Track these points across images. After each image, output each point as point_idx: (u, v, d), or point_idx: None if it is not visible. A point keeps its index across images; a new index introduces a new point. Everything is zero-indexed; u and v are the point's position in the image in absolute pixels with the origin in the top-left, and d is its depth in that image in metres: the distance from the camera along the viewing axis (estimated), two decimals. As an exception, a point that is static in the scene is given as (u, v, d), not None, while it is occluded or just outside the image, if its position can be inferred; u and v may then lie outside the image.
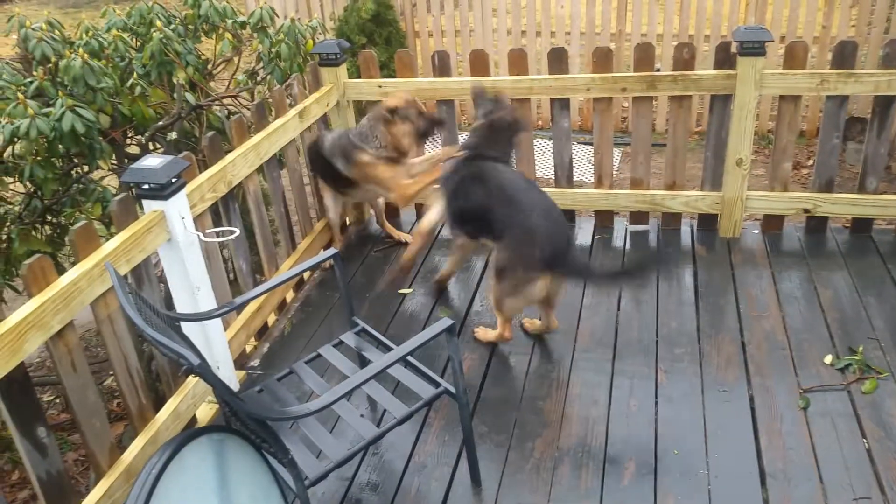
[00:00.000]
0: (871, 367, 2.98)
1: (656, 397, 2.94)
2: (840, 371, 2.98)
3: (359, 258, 4.11)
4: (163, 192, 2.54)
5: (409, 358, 2.57)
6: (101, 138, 3.32)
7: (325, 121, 4.05)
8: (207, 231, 2.87)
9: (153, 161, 2.56)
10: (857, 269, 3.63)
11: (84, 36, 3.54)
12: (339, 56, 3.95)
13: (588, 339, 3.31)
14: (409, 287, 3.82)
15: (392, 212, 4.43)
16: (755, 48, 3.49)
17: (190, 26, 3.92)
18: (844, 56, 3.55)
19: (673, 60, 3.76)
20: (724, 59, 3.66)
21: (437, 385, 2.52)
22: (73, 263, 2.38)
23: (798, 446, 2.64)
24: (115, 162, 3.66)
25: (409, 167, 3.77)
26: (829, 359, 3.05)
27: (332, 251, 2.64)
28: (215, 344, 2.94)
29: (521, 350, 3.27)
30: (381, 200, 4.24)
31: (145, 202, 2.61)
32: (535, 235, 2.96)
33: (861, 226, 3.91)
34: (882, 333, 3.17)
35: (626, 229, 4.21)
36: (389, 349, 2.64)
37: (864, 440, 2.65)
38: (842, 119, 3.73)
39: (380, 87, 4.07)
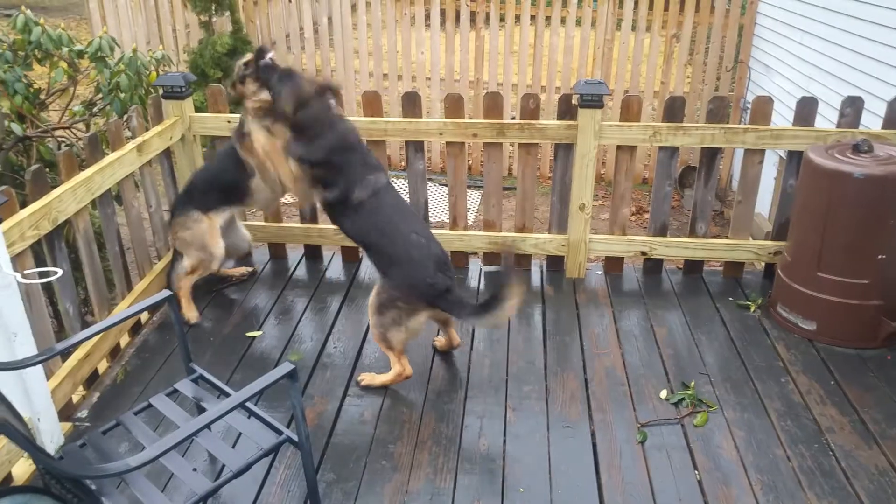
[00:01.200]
0: (703, 400, 3.16)
1: (504, 435, 2.97)
2: (674, 405, 3.14)
3: (205, 298, 3.93)
4: (-27, 229, 2.32)
5: (251, 406, 2.46)
6: None
7: (167, 156, 3.87)
8: (27, 272, 2.64)
9: (-37, 195, 2.33)
10: (690, 308, 3.87)
11: None
12: (184, 89, 3.81)
13: (441, 379, 3.31)
14: (259, 330, 3.68)
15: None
16: (594, 101, 3.70)
17: (20, 52, 3.66)
18: (674, 110, 3.83)
19: (520, 109, 3.91)
20: (566, 110, 3.85)
21: (280, 433, 2.42)
22: None
23: (636, 480, 2.74)
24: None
25: None
26: (664, 393, 3.21)
27: (165, 293, 2.49)
28: (35, 394, 2.68)
29: (374, 392, 3.21)
30: None
31: (-47, 240, 2.37)
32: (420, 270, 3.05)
33: (693, 267, 4.19)
34: (711, 369, 3.38)
35: (481, 269, 4.29)
36: (229, 396, 2.51)
37: (696, 471, 2.78)
38: (674, 168, 4.00)
39: (228, 122, 3.96)
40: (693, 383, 3.24)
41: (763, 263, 4.16)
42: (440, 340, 3.49)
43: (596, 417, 3.06)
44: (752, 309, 3.83)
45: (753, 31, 7.37)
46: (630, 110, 3.86)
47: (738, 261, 4.11)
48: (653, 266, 4.19)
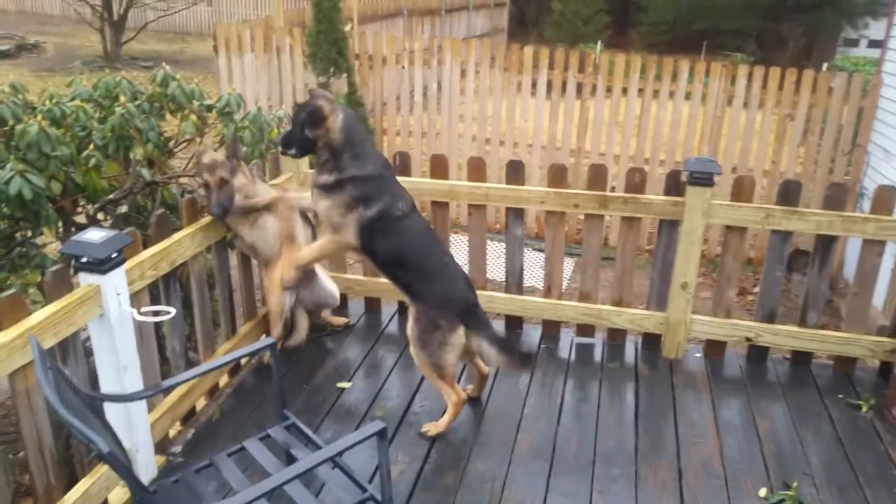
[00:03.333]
0: (805, 503, 2.96)
1: (589, 519, 2.86)
2: (773, 506, 2.96)
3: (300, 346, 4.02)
4: (101, 266, 2.48)
5: (337, 459, 2.49)
6: (49, 205, 3.26)
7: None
8: (143, 309, 2.79)
9: (95, 235, 2.51)
10: (796, 402, 3.66)
11: (47, 102, 3.53)
12: (301, 146, 3.99)
13: (526, 450, 3.25)
14: (349, 381, 3.73)
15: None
16: (704, 179, 3.63)
17: (156, 104, 3.94)
18: (789, 194, 3.71)
19: (625, 183, 3.89)
20: (674, 186, 3.80)
21: (364, 490, 2.43)
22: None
23: (728, 582, 2.58)
24: (61, 230, 3.58)
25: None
26: (763, 492, 3.02)
27: (268, 341, 2.58)
28: (137, 427, 2.80)
29: (456, 456, 3.18)
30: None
31: (82, 275, 2.54)
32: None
33: (801, 358, 3.98)
34: (817, 470, 3.17)
35: (573, 341, 4.22)
36: (318, 447, 2.55)
37: (795, 580, 2.60)
38: (785, 253, 3.86)
39: (340, 179, 4.10)
40: (795, 484, 3.05)
41: (878, 361, 3.90)
42: (470, 388, 3.54)
43: (688, 509, 2.92)
44: (864, 409, 3.59)
45: (874, 115, 7.09)
46: (742, 190, 3.76)
47: (851, 356, 3.87)
48: (757, 353, 4.00)
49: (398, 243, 3.24)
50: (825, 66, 9.66)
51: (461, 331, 3.20)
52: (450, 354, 3.21)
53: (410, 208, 3.28)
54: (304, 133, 3.12)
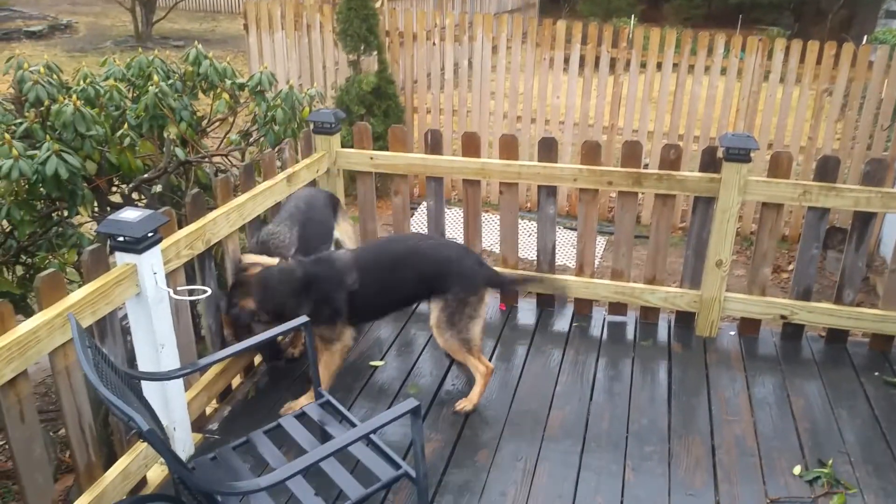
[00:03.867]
0: (840, 481, 2.93)
1: (622, 496, 2.86)
2: (808, 483, 2.93)
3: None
4: (137, 245, 2.51)
5: (372, 436, 2.51)
6: (84, 185, 3.30)
7: (314, 185, 4.06)
8: (179, 288, 2.83)
9: (131, 214, 2.54)
10: (831, 380, 3.61)
11: (81, 82, 3.57)
12: (333, 125, 4.00)
13: (558, 428, 3.25)
14: (382, 360, 3.76)
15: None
16: (740, 155, 3.56)
17: (189, 83, 3.97)
18: (827, 170, 3.63)
19: (660, 160, 3.83)
20: (710, 162, 3.74)
21: (398, 467, 2.45)
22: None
23: (762, 561, 2.57)
24: (97, 209, 3.64)
25: None
26: (797, 469, 3.00)
27: (303, 318, 2.60)
28: (174, 405, 2.85)
29: (489, 434, 3.20)
30: None
31: (118, 254, 2.58)
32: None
33: (836, 336, 3.92)
34: (852, 448, 3.13)
35: (605, 319, 4.19)
36: (353, 424, 2.58)
37: (830, 559, 2.58)
38: (822, 230, 3.78)
39: (371, 158, 4.11)
40: (831, 462, 3.02)
41: (918, 339, 3.83)
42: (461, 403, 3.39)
43: (722, 488, 2.90)
44: (903, 388, 3.53)
45: (916, 88, 6.88)
46: (779, 167, 3.69)
47: (888, 333, 3.80)
48: (793, 331, 3.95)
49: (375, 298, 3.30)
50: (865, 38, 9.38)
51: (487, 298, 3.36)
52: (477, 326, 3.30)
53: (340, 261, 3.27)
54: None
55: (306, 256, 3.30)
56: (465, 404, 3.34)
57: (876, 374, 3.66)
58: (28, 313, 3.20)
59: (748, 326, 4.00)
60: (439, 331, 3.28)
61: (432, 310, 3.30)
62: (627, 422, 3.29)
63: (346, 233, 3.93)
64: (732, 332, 4.03)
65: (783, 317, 3.88)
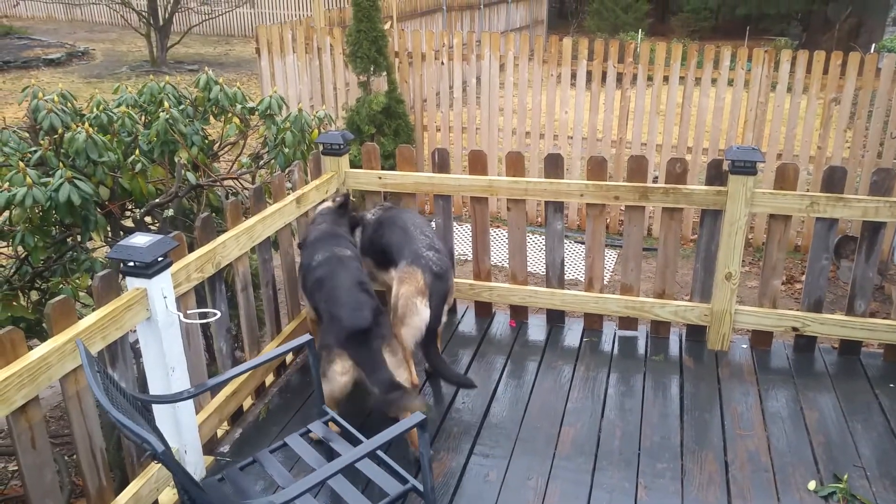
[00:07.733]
0: (856, 496, 2.90)
1: (634, 514, 2.85)
2: (823, 499, 2.90)
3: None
4: (147, 270, 2.55)
5: (379, 452, 2.52)
6: (97, 210, 3.36)
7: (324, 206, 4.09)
8: (189, 311, 2.86)
9: (141, 239, 2.58)
10: (845, 393, 3.58)
11: (94, 109, 3.64)
12: (342, 146, 4.04)
13: (569, 446, 3.24)
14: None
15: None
16: (746, 168, 3.56)
17: (200, 108, 4.03)
18: (834, 181, 3.62)
19: (666, 173, 3.83)
20: (716, 175, 3.74)
21: (406, 482, 2.46)
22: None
23: (777, 577, 2.54)
24: (110, 234, 3.69)
25: None
26: (812, 485, 2.97)
27: (305, 337, 2.62)
28: (184, 427, 2.87)
29: (500, 453, 3.19)
30: None
31: (129, 279, 2.61)
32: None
33: (849, 347, 3.89)
34: (868, 462, 3.10)
35: (615, 333, 4.18)
36: (358, 441, 2.59)
37: (847, 575, 2.55)
38: (831, 241, 3.76)
39: (379, 178, 4.15)
40: (846, 476, 2.99)
41: (933, 349, 3.79)
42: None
43: (735, 504, 2.88)
44: (919, 399, 3.49)
45: (927, 96, 6.84)
46: (786, 178, 3.68)
47: (903, 344, 3.77)
48: (805, 343, 3.92)
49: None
50: (873, 46, 9.35)
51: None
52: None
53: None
54: None
55: None
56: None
57: (891, 385, 3.63)
58: (43, 338, 3.24)
59: (760, 339, 3.98)
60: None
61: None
62: (640, 438, 3.28)
63: None
64: (745, 345, 4.01)
65: (795, 329, 3.86)
